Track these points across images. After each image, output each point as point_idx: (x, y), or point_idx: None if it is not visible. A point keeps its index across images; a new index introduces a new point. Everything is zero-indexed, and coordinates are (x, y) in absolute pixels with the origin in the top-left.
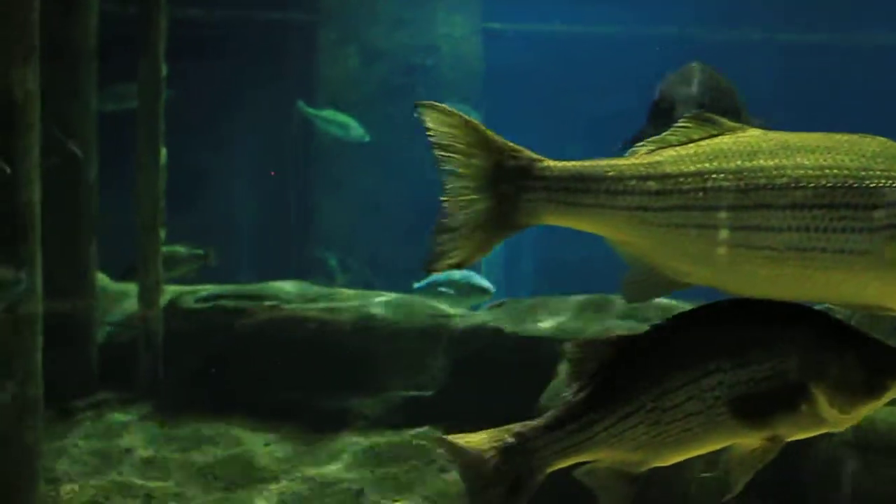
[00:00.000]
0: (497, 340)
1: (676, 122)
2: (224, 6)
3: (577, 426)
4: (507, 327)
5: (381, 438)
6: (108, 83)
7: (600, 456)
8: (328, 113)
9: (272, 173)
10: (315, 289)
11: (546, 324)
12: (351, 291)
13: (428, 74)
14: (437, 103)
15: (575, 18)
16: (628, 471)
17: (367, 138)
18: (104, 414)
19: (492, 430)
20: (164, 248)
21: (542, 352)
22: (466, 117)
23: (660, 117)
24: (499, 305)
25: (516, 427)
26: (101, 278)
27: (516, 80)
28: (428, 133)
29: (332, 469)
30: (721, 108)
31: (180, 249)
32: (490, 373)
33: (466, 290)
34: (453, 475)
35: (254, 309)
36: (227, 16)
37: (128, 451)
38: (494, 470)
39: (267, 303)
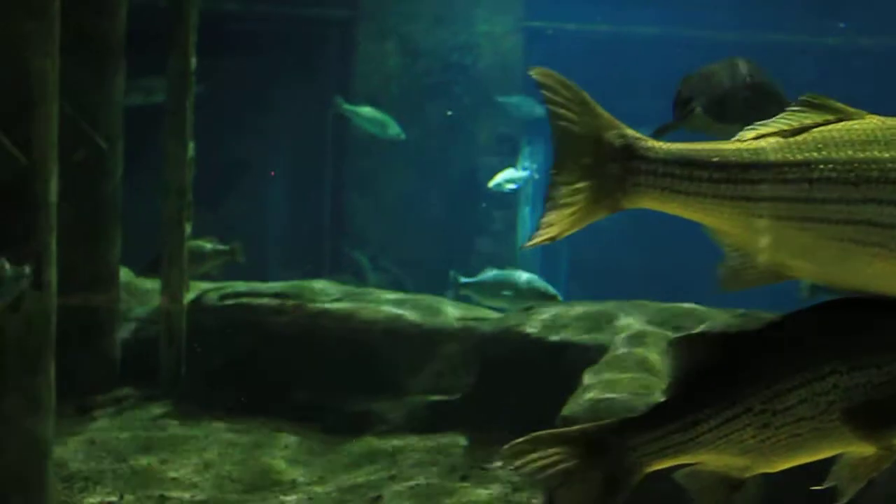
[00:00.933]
0: (524, 345)
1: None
2: (261, 1)
3: (679, 426)
4: (534, 332)
5: (401, 442)
6: (137, 76)
7: (703, 459)
8: (366, 110)
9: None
10: (343, 288)
11: (577, 331)
12: (380, 291)
13: (467, 73)
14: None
15: (618, 19)
16: (731, 476)
17: (403, 136)
18: (124, 410)
19: (585, 425)
20: (190, 243)
21: (569, 358)
22: (580, 89)
23: (679, 107)
24: (526, 310)
25: (613, 423)
26: (126, 273)
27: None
28: (545, 96)
29: (352, 475)
30: (758, 100)
31: (205, 244)
32: (517, 378)
33: (530, 295)
34: (476, 484)
35: (279, 307)
36: (263, 10)
37: (144, 449)
38: (588, 467)
39: (291, 302)
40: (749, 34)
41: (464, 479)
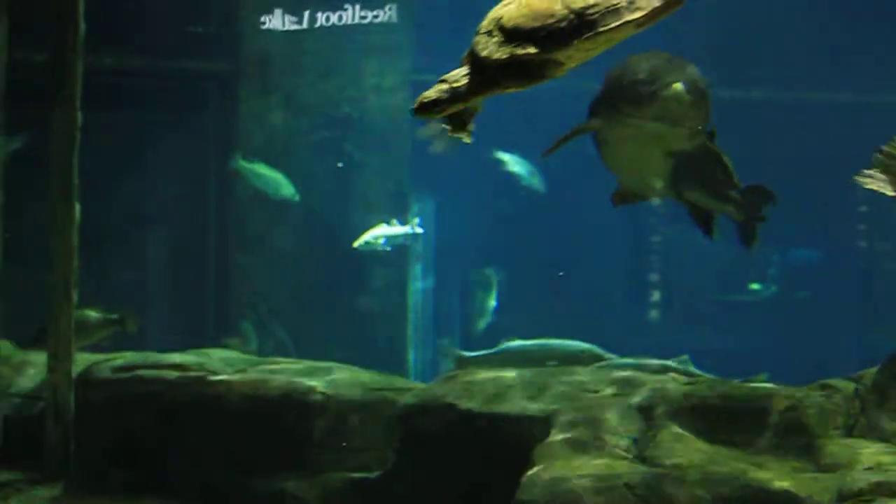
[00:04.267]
0: (450, 418)
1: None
2: (139, 54)
3: None
4: (463, 402)
5: None
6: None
7: None
8: (260, 167)
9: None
10: (245, 357)
11: (513, 401)
12: (286, 361)
13: (354, 127)
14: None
15: None
16: None
17: (296, 198)
18: (9, 496)
19: None
20: (76, 313)
21: (505, 431)
22: None
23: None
24: (452, 378)
25: None
26: (4, 346)
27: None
28: None
29: None
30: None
31: (92, 314)
32: (443, 454)
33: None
34: None
35: (178, 379)
36: (141, 64)
37: None
38: None
39: (191, 373)
40: None
41: None
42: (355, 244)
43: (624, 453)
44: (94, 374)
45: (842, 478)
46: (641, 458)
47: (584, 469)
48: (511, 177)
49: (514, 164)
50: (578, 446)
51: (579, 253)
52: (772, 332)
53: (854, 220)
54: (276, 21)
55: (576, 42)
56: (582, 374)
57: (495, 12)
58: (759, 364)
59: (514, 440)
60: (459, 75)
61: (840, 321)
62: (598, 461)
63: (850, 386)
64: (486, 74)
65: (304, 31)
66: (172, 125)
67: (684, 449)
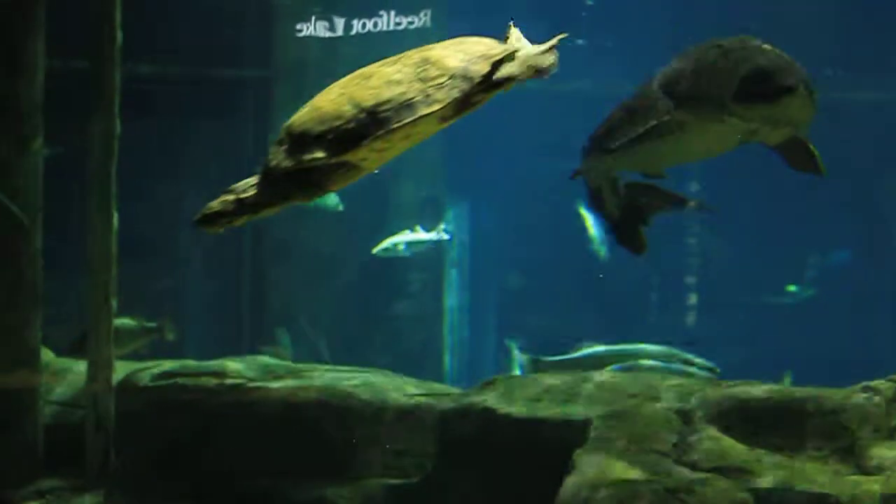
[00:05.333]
0: (489, 423)
1: None
2: (176, 63)
3: None
4: (502, 407)
5: None
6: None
7: None
8: None
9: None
10: (284, 364)
11: (553, 406)
12: (324, 367)
13: None
14: None
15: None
16: None
17: (340, 208)
18: None
19: None
20: (115, 321)
21: (544, 437)
22: None
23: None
24: (491, 383)
25: None
26: (45, 353)
27: (479, 137)
28: None
29: None
30: None
31: (130, 322)
32: (482, 460)
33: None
34: None
35: (216, 387)
36: (177, 72)
37: None
38: None
39: (230, 381)
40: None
41: None
42: (374, 250)
43: (664, 458)
44: (134, 382)
45: (886, 481)
46: (681, 463)
47: (624, 474)
48: (582, 228)
49: (591, 225)
50: (618, 451)
51: (614, 255)
52: (808, 334)
53: (892, 220)
54: (312, 28)
55: (367, 142)
56: (620, 378)
57: (290, 119)
58: (796, 366)
59: (554, 445)
60: (248, 185)
61: (877, 322)
62: (638, 466)
63: (891, 387)
64: (275, 186)
65: (339, 38)
66: (208, 133)
67: (724, 452)
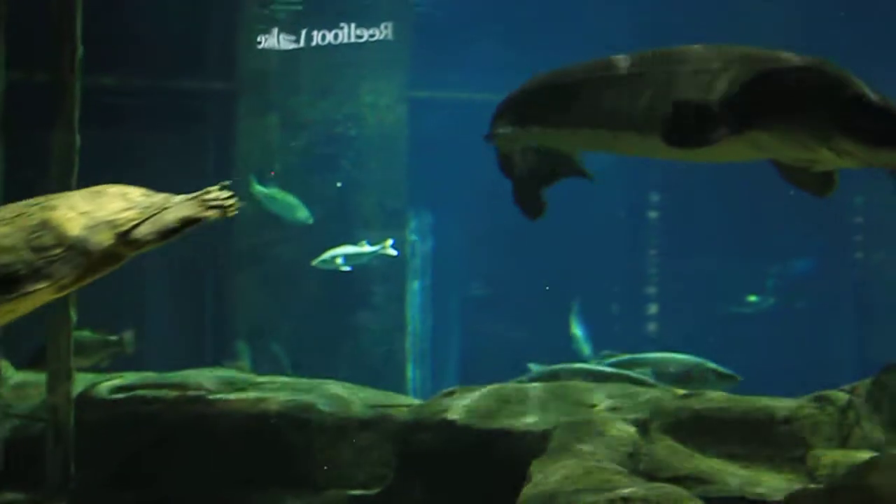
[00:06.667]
0: (449, 434)
1: None
2: (138, 74)
3: None
4: (461, 418)
5: None
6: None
7: None
8: (275, 191)
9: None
10: (245, 377)
11: (511, 416)
12: (284, 379)
13: (351, 144)
14: None
15: (499, 87)
16: None
17: (311, 221)
18: None
19: None
20: (75, 334)
21: (502, 447)
22: None
23: None
24: (450, 394)
25: None
26: (5, 366)
27: (442, 148)
28: None
29: None
30: None
31: (89, 335)
32: (441, 470)
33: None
34: None
35: (177, 399)
36: (140, 84)
37: None
38: None
39: (191, 393)
40: None
41: None
42: (314, 262)
43: (620, 467)
44: (94, 394)
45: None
46: (638, 473)
47: (581, 483)
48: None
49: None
50: (575, 461)
51: (577, 266)
52: (769, 344)
53: (850, 231)
54: (273, 40)
55: None
56: (579, 388)
57: None
58: (758, 375)
59: (512, 455)
60: None
61: (837, 332)
62: (595, 476)
63: (844, 397)
64: None
65: (300, 49)
66: (171, 144)
67: (680, 462)
